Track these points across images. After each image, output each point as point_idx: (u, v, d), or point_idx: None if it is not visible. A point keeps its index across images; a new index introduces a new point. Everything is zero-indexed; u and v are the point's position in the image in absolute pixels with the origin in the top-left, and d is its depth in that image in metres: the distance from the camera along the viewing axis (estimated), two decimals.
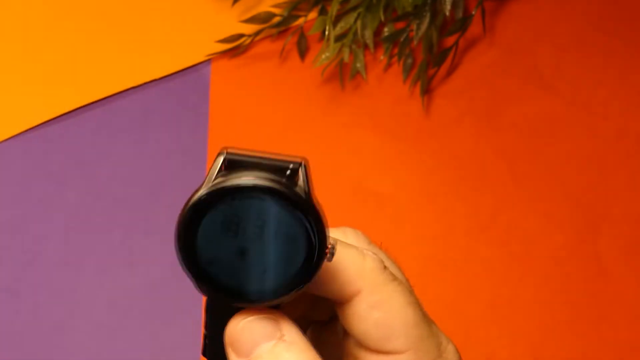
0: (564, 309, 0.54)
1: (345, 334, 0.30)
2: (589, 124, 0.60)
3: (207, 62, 0.64)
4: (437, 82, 0.62)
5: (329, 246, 0.27)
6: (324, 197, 0.57)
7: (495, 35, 0.64)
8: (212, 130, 0.61)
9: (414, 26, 0.60)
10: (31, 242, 0.57)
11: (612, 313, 0.53)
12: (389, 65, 0.63)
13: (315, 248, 0.26)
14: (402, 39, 0.61)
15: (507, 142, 0.60)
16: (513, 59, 0.63)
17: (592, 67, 0.62)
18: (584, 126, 0.60)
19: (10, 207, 0.58)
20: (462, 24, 0.61)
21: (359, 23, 0.62)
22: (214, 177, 0.26)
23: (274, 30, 0.64)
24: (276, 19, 0.64)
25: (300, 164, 0.26)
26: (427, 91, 0.62)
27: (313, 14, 0.64)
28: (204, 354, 0.31)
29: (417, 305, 0.29)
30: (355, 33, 0.62)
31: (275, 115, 0.62)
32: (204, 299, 0.29)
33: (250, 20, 0.63)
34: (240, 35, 0.63)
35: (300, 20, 0.64)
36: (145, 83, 0.63)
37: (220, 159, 0.26)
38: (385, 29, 0.63)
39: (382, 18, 0.62)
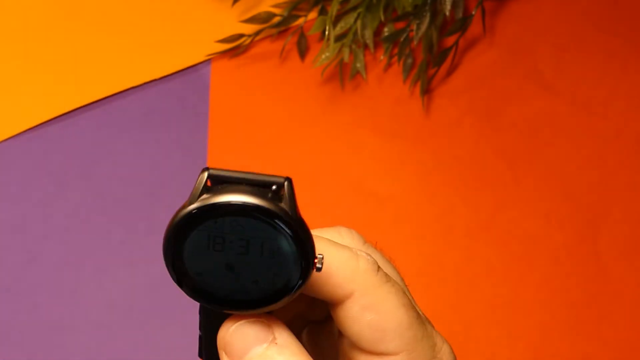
0: (564, 309, 0.54)
1: (341, 334, 0.30)
2: (589, 124, 0.60)
3: (207, 62, 0.64)
4: (437, 82, 0.62)
5: (316, 259, 0.27)
6: (324, 197, 0.58)
7: (495, 35, 0.64)
8: (212, 130, 0.61)
9: (414, 26, 0.60)
10: (31, 242, 0.57)
11: (612, 313, 0.53)
12: (389, 65, 0.63)
13: (302, 262, 0.26)
14: (402, 39, 0.61)
15: (507, 142, 0.60)
16: (513, 59, 0.63)
17: (592, 67, 0.62)
18: (584, 126, 0.60)
19: (10, 207, 0.59)
20: (462, 24, 0.61)
21: (359, 23, 0.62)
22: (198, 193, 0.26)
23: (274, 30, 0.65)
24: (276, 19, 0.64)
25: (284, 181, 0.26)
26: (427, 91, 0.62)
27: (313, 14, 0.64)
28: (200, 355, 0.31)
29: (411, 306, 0.29)
30: (355, 33, 0.62)
31: (275, 115, 0.62)
32: None
33: (250, 20, 0.63)
34: (240, 35, 0.63)
35: (300, 20, 0.64)
36: (145, 83, 0.63)
37: (205, 175, 0.26)
38: (385, 29, 0.63)
39: (382, 18, 0.62)
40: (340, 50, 0.62)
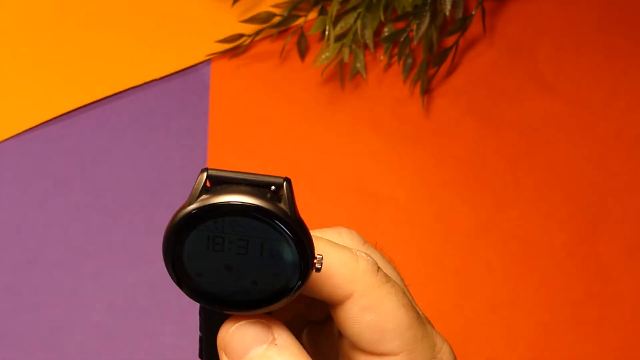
0: (564, 309, 0.54)
1: (341, 335, 0.30)
2: (589, 124, 0.60)
3: (207, 62, 0.64)
4: (437, 82, 0.62)
5: (316, 259, 0.27)
6: (324, 197, 0.58)
7: (495, 35, 0.64)
8: (212, 130, 0.61)
9: (414, 26, 0.60)
10: (31, 242, 0.57)
11: (612, 313, 0.53)
12: (389, 65, 0.63)
13: (302, 263, 0.26)
14: (402, 39, 0.61)
15: (507, 142, 0.60)
16: (513, 59, 0.63)
17: (592, 67, 0.62)
18: (584, 126, 0.60)
19: (10, 207, 0.59)
20: (462, 24, 0.61)
21: (359, 23, 0.62)
22: (197, 194, 0.26)
23: (274, 30, 0.64)
24: (276, 19, 0.64)
25: (283, 181, 0.26)
26: (427, 91, 0.62)
27: (313, 14, 0.64)
28: (201, 355, 0.31)
29: (411, 306, 0.29)
30: (355, 33, 0.62)
31: (275, 115, 0.62)
32: None
33: (250, 20, 0.63)
34: (240, 35, 0.63)
35: (300, 20, 0.64)
36: (145, 83, 0.63)
37: (204, 176, 0.26)
38: (385, 29, 0.63)
39: (382, 18, 0.62)
40: (340, 50, 0.62)
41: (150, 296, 0.55)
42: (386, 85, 0.62)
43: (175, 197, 0.58)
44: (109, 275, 0.56)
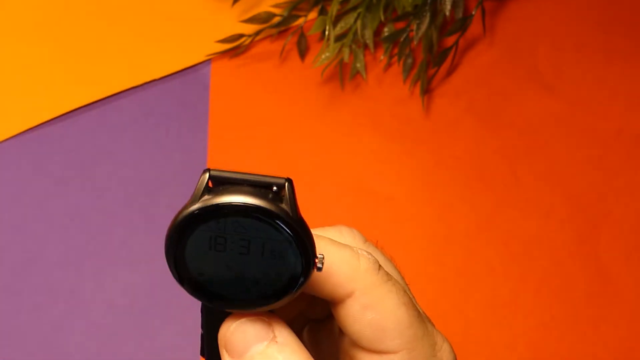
0: (564, 309, 0.54)
1: (341, 332, 0.30)
2: (589, 124, 0.60)
3: (207, 62, 0.64)
4: (437, 82, 0.62)
5: (317, 259, 0.27)
6: (325, 196, 0.58)
7: (495, 35, 0.64)
8: (212, 130, 0.61)
9: (414, 26, 0.60)
10: (31, 242, 0.57)
11: (612, 313, 0.53)
12: (389, 65, 0.63)
13: (303, 262, 0.26)
14: (402, 39, 0.61)
15: (507, 142, 0.60)
16: (513, 59, 0.63)
17: (592, 67, 0.62)
18: (584, 126, 0.60)
19: (10, 207, 0.59)
20: (462, 24, 0.61)
21: (359, 23, 0.62)
22: (200, 194, 0.26)
23: (274, 30, 0.65)
24: (276, 19, 0.64)
25: (285, 182, 0.26)
26: (427, 91, 0.62)
27: (313, 14, 0.64)
28: (202, 353, 0.31)
29: (412, 304, 0.29)
30: (355, 33, 0.62)
31: (275, 115, 0.62)
32: None
33: (250, 20, 0.63)
34: (240, 35, 0.63)
35: (300, 20, 0.64)
36: (145, 83, 0.63)
37: (206, 176, 0.26)
38: (385, 29, 0.63)
39: (382, 18, 0.62)
40: (340, 50, 0.62)
41: (151, 296, 0.55)
42: (386, 85, 0.62)
43: (175, 197, 0.58)
44: (109, 275, 0.56)
